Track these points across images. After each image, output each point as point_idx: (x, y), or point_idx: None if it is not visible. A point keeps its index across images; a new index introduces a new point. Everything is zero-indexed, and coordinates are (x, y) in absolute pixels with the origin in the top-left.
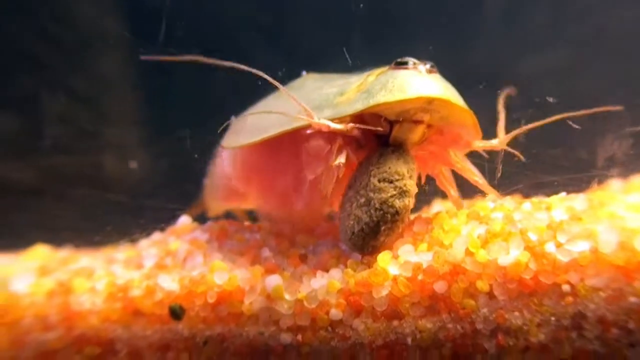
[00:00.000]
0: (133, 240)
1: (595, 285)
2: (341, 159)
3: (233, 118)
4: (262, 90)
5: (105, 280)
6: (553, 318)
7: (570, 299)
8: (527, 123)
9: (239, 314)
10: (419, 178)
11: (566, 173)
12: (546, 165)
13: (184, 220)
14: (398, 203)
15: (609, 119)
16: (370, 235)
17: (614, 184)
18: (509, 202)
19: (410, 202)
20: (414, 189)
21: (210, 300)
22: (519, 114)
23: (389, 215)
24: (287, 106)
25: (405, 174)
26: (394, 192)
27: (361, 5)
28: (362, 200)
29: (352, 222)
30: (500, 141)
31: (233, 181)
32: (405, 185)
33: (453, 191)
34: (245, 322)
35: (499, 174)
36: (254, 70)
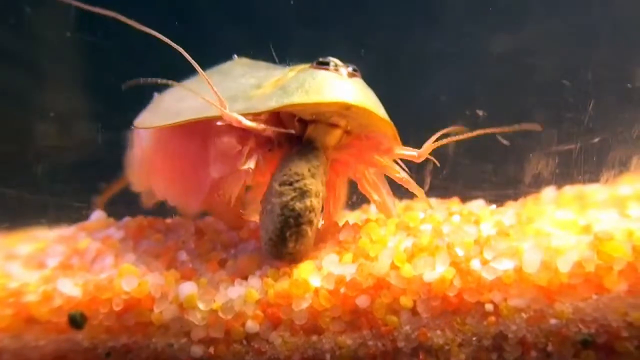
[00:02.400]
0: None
1: (517, 306)
2: (250, 164)
3: (156, 95)
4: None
5: None
6: (475, 338)
7: (492, 318)
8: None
9: (147, 323)
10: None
11: (494, 189)
12: (475, 179)
13: (98, 215)
14: (299, 205)
15: (536, 136)
16: (280, 243)
17: (548, 193)
18: (440, 212)
19: (313, 201)
20: (317, 188)
21: (116, 308)
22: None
23: (291, 220)
24: (205, 91)
25: (305, 174)
26: (294, 194)
27: None
28: (269, 207)
29: (263, 232)
30: (420, 152)
31: (151, 160)
32: (305, 185)
33: (377, 196)
34: (153, 332)
35: (427, 187)
36: (172, 44)
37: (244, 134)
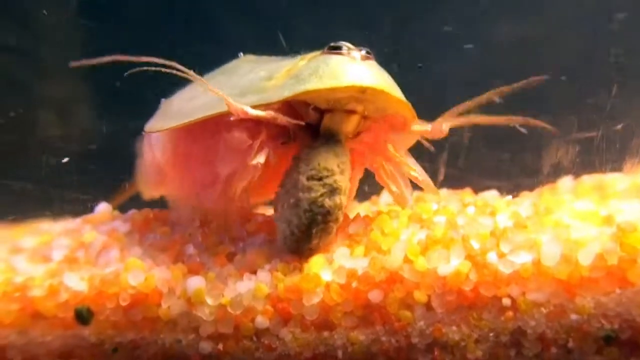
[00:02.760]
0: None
1: (536, 300)
2: (260, 159)
3: (163, 100)
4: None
5: (1, 277)
6: (492, 334)
7: (510, 313)
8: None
9: (155, 318)
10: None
11: (511, 179)
12: (491, 169)
13: (103, 207)
14: (328, 202)
15: (555, 123)
16: (303, 239)
17: (565, 183)
18: (454, 203)
19: (342, 199)
20: (346, 185)
21: (123, 303)
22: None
23: (319, 217)
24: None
25: (335, 170)
26: (324, 191)
27: None
28: (292, 200)
29: (284, 226)
30: (433, 126)
31: (161, 166)
32: (335, 182)
33: (394, 187)
34: (161, 328)
35: (442, 177)
36: (162, 61)
37: (255, 127)
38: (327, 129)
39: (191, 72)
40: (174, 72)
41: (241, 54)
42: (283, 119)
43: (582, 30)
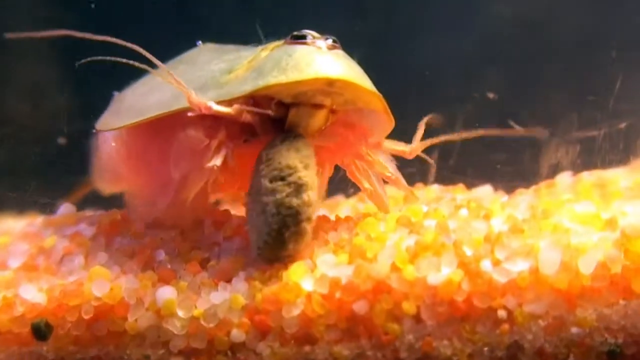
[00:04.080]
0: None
1: (534, 312)
2: (216, 161)
3: (115, 94)
4: None
5: None
6: (486, 348)
7: (506, 326)
8: (464, 120)
9: (121, 333)
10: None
11: (507, 181)
12: (485, 171)
13: (67, 208)
14: (296, 201)
15: (554, 121)
16: (277, 246)
17: (564, 179)
18: (445, 205)
19: (310, 195)
20: (312, 180)
21: (86, 316)
22: (457, 111)
23: (289, 219)
24: (167, 83)
25: (298, 166)
26: (289, 190)
27: None
28: (258, 207)
29: (255, 236)
30: (412, 148)
31: (117, 164)
32: (300, 178)
33: (367, 184)
34: (127, 343)
35: (432, 179)
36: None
37: (213, 125)
38: (292, 124)
39: (156, 61)
40: (136, 64)
41: (200, 42)
42: (247, 117)
43: (583, 17)
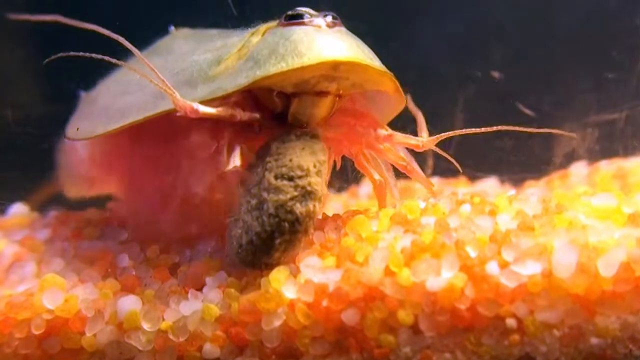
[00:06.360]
0: None
1: (547, 321)
2: (236, 161)
3: (82, 94)
4: None
5: None
6: None
7: (516, 337)
8: (465, 100)
9: (77, 350)
10: (334, 163)
11: (515, 172)
12: (491, 160)
13: (18, 209)
14: (299, 208)
15: (569, 103)
16: (262, 250)
17: (579, 169)
18: (445, 200)
19: (316, 206)
20: (322, 190)
21: (37, 332)
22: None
23: (286, 224)
24: (147, 80)
25: (310, 169)
26: (295, 194)
27: None
28: (254, 202)
29: (239, 231)
30: (424, 142)
31: (91, 168)
32: (310, 184)
33: (377, 175)
34: None
35: (430, 171)
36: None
37: (215, 124)
38: (295, 116)
39: (134, 49)
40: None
41: (172, 27)
42: (243, 116)
43: None
